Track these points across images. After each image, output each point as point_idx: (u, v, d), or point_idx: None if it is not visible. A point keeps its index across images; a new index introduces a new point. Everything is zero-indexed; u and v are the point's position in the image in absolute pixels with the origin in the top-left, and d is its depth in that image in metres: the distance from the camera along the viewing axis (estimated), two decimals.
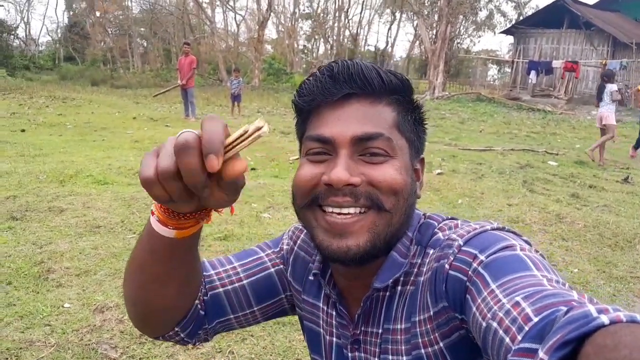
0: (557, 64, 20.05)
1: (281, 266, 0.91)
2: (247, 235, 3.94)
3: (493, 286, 0.57)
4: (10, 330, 2.49)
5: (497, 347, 0.51)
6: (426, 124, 0.81)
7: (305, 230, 0.90)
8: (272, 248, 0.93)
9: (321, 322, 0.85)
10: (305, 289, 0.88)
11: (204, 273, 0.86)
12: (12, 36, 34.45)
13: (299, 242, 0.92)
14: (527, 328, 0.48)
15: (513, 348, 0.47)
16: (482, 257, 0.62)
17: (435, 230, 0.76)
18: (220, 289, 0.86)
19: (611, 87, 8.76)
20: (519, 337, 0.48)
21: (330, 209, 0.70)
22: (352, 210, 0.69)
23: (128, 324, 2.59)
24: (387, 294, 0.75)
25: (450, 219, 0.79)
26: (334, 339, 0.83)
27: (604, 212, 5.11)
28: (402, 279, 0.74)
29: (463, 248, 0.66)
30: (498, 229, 0.70)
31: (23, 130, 9.01)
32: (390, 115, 0.72)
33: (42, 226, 3.94)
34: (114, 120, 11.15)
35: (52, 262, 3.28)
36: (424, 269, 0.72)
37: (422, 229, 0.77)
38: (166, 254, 0.68)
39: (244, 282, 0.88)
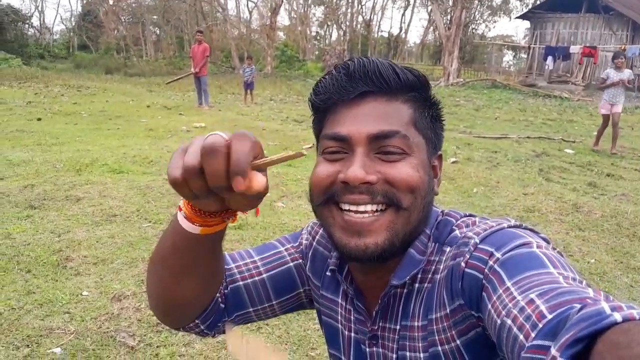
0: (574, 49, 19.69)
1: (300, 261, 0.91)
2: (262, 224, 3.96)
3: (508, 284, 0.57)
4: (31, 317, 2.54)
5: (512, 344, 0.51)
6: (444, 120, 0.81)
7: (318, 229, 0.92)
8: (291, 242, 0.93)
9: (339, 317, 0.86)
10: (324, 284, 0.88)
11: (225, 266, 0.87)
12: (26, 25, 34.71)
13: (317, 237, 0.92)
14: (540, 325, 0.48)
15: (526, 345, 0.47)
16: (498, 255, 0.62)
17: (453, 227, 0.76)
18: (240, 282, 0.87)
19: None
20: (533, 334, 0.48)
21: (347, 207, 0.69)
22: (369, 207, 0.69)
23: (145, 312, 2.63)
24: (405, 290, 0.75)
25: (468, 215, 0.79)
26: (352, 334, 0.83)
27: (622, 202, 5.03)
28: (419, 276, 0.74)
29: (479, 246, 0.65)
30: (515, 226, 0.69)
31: (39, 119, 9.11)
32: (406, 113, 0.72)
33: (59, 215, 3.99)
34: (128, 109, 11.22)
35: (70, 251, 3.32)
36: (441, 267, 0.72)
37: (439, 226, 0.77)
38: (190, 249, 0.69)
39: (264, 275, 0.88)
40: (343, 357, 0.86)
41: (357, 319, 0.82)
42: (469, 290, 0.64)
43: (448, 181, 5.49)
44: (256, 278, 0.88)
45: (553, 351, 0.41)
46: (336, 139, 0.71)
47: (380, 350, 0.78)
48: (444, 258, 0.72)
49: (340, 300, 0.85)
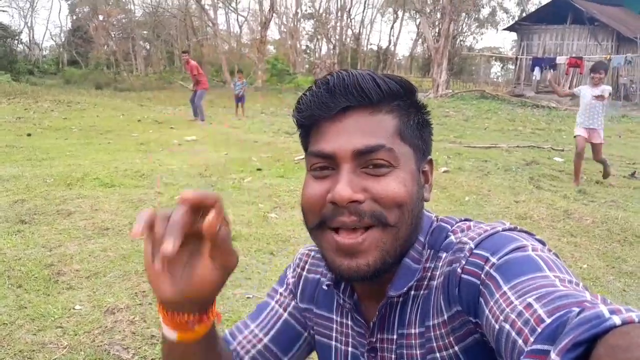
0: (561, 60, 19.96)
1: (292, 303, 0.91)
2: (255, 235, 3.95)
3: (505, 288, 0.57)
4: (23, 332, 2.51)
5: (510, 349, 0.51)
6: (431, 124, 0.79)
7: (313, 253, 0.92)
8: (279, 289, 0.93)
9: (334, 333, 0.85)
10: (318, 303, 0.87)
11: (229, 347, 0.87)
12: (16, 41, 34.59)
13: (307, 266, 0.92)
14: (539, 329, 0.47)
15: (525, 350, 0.47)
16: (493, 260, 0.62)
17: (449, 233, 0.75)
18: (246, 357, 0.87)
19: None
20: (532, 339, 0.48)
21: (337, 229, 0.69)
22: (357, 227, 0.69)
23: (139, 325, 2.60)
24: (401, 299, 0.75)
25: (463, 220, 0.78)
26: (350, 348, 0.83)
27: (612, 208, 5.09)
28: (415, 283, 0.74)
29: (475, 251, 0.65)
30: (510, 229, 0.69)
31: (29, 135, 9.06)
32: (391, 124, 0.71)
33: (50, 229, 3.96)
34: (119, 123, 11.20)
35: (62, 265, 3.29)
36: (437, 273, 0.72)
37: (434, 233, 0.76)
38: (179, 357, 0.70)
39: (265, 340, 0.88)
40: None
41: (356, 332, 0.81)
42: (466, 297, 0.64)
43: (440, 190, 5.52)
44: (259, 346, 0.87)
45: (553, 355, 0.40)
46: (321, 156, 0.70)
47: None
48: (440, 264, 0.72)
49: (335, 317, 0.85)
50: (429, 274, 0.73)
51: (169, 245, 0.54)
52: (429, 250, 0.74)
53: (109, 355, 2.34)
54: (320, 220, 0.70)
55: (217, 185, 5.56)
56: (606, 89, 6.44)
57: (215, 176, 6.05)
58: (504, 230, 0.68)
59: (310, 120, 0.73)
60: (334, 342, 0.85)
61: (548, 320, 0.47)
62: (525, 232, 0.69)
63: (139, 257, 3.47)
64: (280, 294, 0.92)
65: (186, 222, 0.57)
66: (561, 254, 3.74)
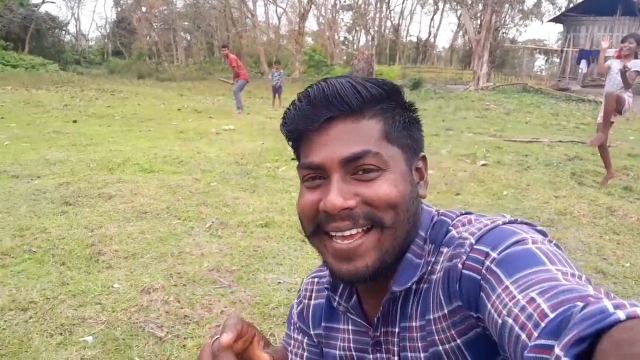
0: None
1: (305, 340, 0.94)
2: (287, 222, 3.98)
3: (507, 282, 0.57)
4: (64, 307, 2.61)
5: (514, 344, 0.51)
6: (420, 122, 0.79)
7: (316, 280, 0.94)
8: (291, 334, 0.96)
9: (339, 342, 0.86)
10: (325, 315, 0.89)
11: None
12: (63, 32, 35.80)
13: (313, 294, 0.93)
14: (543, 324, 0.47)
15: (529, 344, 0.47)
16: (494, 255, 0.62)
17: (450, 227, 0.75)
18: None
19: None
20: (535, 334, 0.47)
21: (333, 234, 0.71)
22: (353, 231, 0.70)
23: (173, 305, 2.67)
24: (403, 293, 0.75)
25: (464, 214, 0.78)
26: (353, 353, 0.84)
27: None
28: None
29: (475, 246, 0.65)
30: (510, 222, 0.69)
31: (75, 121, 9.38)
32: (375, 128, 0.71)
33: (92, 211, 4.10)
34: (159, 112, 11.46)
35: (102, 245, 3.41)
36: (438, 267, 0.72)
37: (435, 227, 0.76)
38: None
39: None
40: None
41: (357, 332, 0.83)
42: (466, 292, 0.64)
43: (477, 183, 5.42)
44: None
45: (557, 350, 0.40)
46: (311, 167, 0.72)
47: (384, 355, 0.79)
48: (441, 259, 0.72)
49: (340, 326, 0.86)
50: (430, 267, 0.73)
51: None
52: (430, 245, 0.75)
53: (143, 332, 2.41)
54: (316, 226, 0.72)
55: (252, 174, 5.62)
56: (636, 62, 5.40)
57: (251, 164, 6.11)
58: (504, 223, 0.68)
59: (297, 133, 0.74)
60: (337, 351, 0.86)
61: (552, 315, 0.47)
62: (526, 223, 0.69)
63: (175, 240, 3.55)
64: (294, 339, 0.94)
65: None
66: (602, 251, 3.61)
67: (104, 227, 3.74)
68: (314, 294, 0.92)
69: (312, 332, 0.91)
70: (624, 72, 5.34)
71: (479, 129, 10.34)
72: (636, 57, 5.45)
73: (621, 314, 0.39)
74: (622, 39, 5.76)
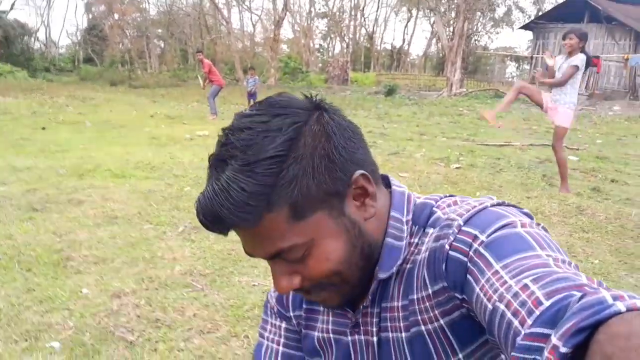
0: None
1: (283, 325, 0.91)
2: None
3: (497, 267, 0.57)
4: (30, 313, 2.53)
5: (505, 330, 0.50)
6: (341, 130, 0.67)
7: None
8: (268, 319, 0.93)
9: (318, 324, 0.86)
10: (305, 299, 0.87)
11: None
12: (33, 39, 35.08)
13: None
14: (537, 312, 0.47)
15: (523, 332, 0.47)
16: (482, 237, 0.61)
17: (434, 209, 0.74)
18: None
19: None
20: (529, 321, 0.47)
21: None
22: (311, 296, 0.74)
23: (144, 308, 2.61)
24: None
25: (448, 196, 0.77)
26: (331, 335, 0.83)
27: (627, 205, 5.00)
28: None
29: (463, 228, 0.64)
30: (498, 204, 0.68)
31: (44, 128, 9.17)
32: (279, 220, 0.62)
33: (61, 217, 4.00)
34: (131, 118, 11.29)
35: (71, 251, 3.32)
36: (422, 248, 0.71)
37: (418, 208, 0.75)
38: None
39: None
40: None
41: (336, 314, 0.82)
42: (452, 273, 0.63)
43: (451, 185, 5.48)
44: None
45: (554, 340, 0.40)
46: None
47: (363, 337, 0.78)
48: (426, 239, 0.71)
49: (321, 308, 0.85)
50: (414, 249, 0.73)
51: None
52: (414, 226, 0.74)
53: (113, 336, 2.35)
54: None
55: None
56: (578, 57, 5.15)
57: None
58: (492, 205, 0.67)
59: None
60: (316, 333, 0.85)
61: (547, 303, 0.47)
62: (513, 206, 0.69)
63: (146, 245, 3.49)
64: (271, 324, 0.92)
65: None
66: (572, 249, 3.68)
67: (73, 233, 3.65)
68: None
69: (291, 314, 0.89)
70: (549, 68, 5.30)
71: (452, 133, 10.48)
72: (582, 52, 5.23)
73: (621, 306, 0.39)
74: (562, 35, 5.48)
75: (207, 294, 2.81)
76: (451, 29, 26.85)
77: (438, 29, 27.04)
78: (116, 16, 36.07)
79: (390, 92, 21.03)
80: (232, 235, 0.67)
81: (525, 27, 25.24)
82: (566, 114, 5.30)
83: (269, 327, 0.93)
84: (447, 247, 0.64)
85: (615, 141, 8.08)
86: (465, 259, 0.61)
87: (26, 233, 3.62)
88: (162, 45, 40.19)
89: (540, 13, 29.12)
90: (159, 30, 38.48)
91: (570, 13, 21.63)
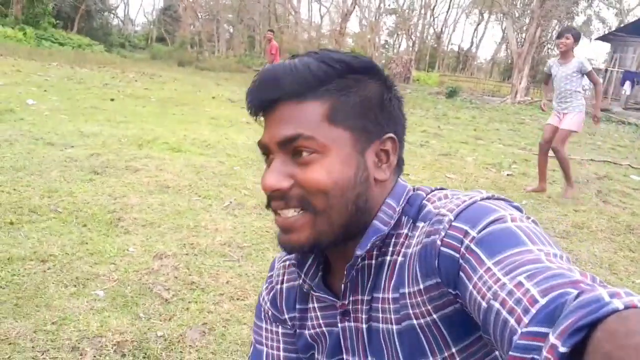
0: None
1: (279, 331, 0.92)
2: None
3: (489, 264, 0.57)
4: (81, 263, 2.76)
5: (501, 328, 0.50)
6: (393, 100, 0.76)
7: (288, 262, 0.92)
8: (262, 325, 0.94)
9: (309, 322, 0.87)
10: (299, 299, 0.89)
11: None
12: (112, 15, 36.84)
13: (285, 277, 0.92)
14: (534, 310, 0.47)
15: (520, 330, 0.46)
16: (473, 233, 0.61)
17: (424, 202, 0.75)
18: None
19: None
20: (526, 320, 0.47)
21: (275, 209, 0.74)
22: (285, 212, 0.72)
23: (182, 271, 2.79)
24: (374, 262, 0.75)
25: (438, 189, 0.78)
26: (323, 328, 0.84)
27: None
28: (390, 249, 0.74)
29: (454, 223, 0.64)
30: (487, 198, 0.68)
31: (112, 100, 9.70)
32: (317, 111, 0.70)
33: (118, 181, 4.28)
34: (194, 98, 11.71)
35: (123, 212, 3.56)
36: (413, 242, 0.71)
37: (411, 201, 0.76)
38: None
39: None
40: (317, 354, 0.87)
41: (324, 307, 0.83)
42: (445, 270, 0.64)
43: (497, 191, 5.39)
44: None
45: (552, 339, 0.40)
46: (260, 147, 0.75)
47: (352, 324, 0.79)
48: (417, 233, 0.71)
49: (309, 305, 0.86)
50: (406, 241, 0.73)
51: None
52: (405, 217, 0.75)
53: (151, 292, 2.54)
54: (267, 202, 0.75)
55: None
56: (577, 64, 5.04)
57: None
58: (481, 199, 0.68)
59: (255, 114, 0.76)
60: (308, 331, 0.86)
61: (543, 301, 0.47)
62: (503, 199, 0.69)
63: (192, 215, 3.69)
64: (266, 329, 0.93)
65: None
66: (615, 266, 3.57)
67: (127, 197, 3.90)
68: (285, 277, 0.92)
69: (286, 317, 0.90)
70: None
71: (509, 141, 10.21)
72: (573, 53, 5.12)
73: (619, 304, 0.38)
74: (558, 34, 5.28)
75: (241, 265, 2.95)
76: (523, 35, 25.97)
77: (509, 33, 26.19)
78: None
79: (451, 93, 20.62)
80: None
81: (603, 38, 24.03)
82: (578, 117, 5.26)
83: (264, 333, 0.93)
84: (438, 242, 0.64)
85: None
86: (457, 255, 0.62)
87: (85, 192, 3.90)
88: (231, 30, 41.18)
89: (621, 25, 27.62)
90: (230, 15, 39.42)
91: None
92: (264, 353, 0.92)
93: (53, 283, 2.52)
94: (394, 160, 0.76)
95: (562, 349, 0.38)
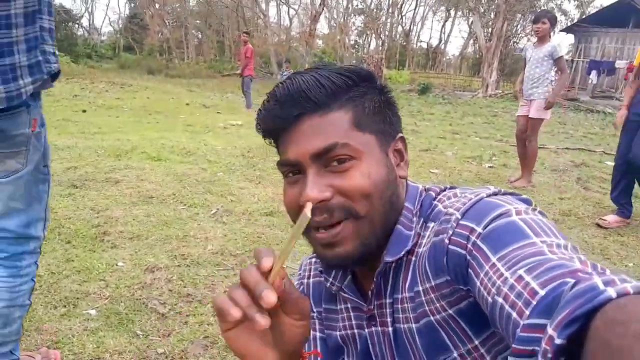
0: (620, 64, 19.13)
1: (314, 315, 0.94)
2: None
3: (494, 259, 0.58)
4: (69, 282, 2.64)
5: (505, 322, 0.51)
6: (394, 103, 0.80)
7: (314, 260, 0.95)
8: None
9: (339, 323, 0.87)
10: (324, 298, 0.91)
11: None
12: (76, 25, 36.07)
13: (311, 273, 0.95)
14: (534, 302, 0.47)
15: (522, 323, 0.47)
16: (479, 230, 0.63)
17: (434, 202, 0.77)
18: None
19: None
20: (527, 312, 0.48)
21: (316, 227, 0.72)
22: (331, 223, 0.72)
23: (176, 283, 2.69)
24: (393, 265, 0.77)
25: (449, 188, 0.80)
26: (355, 330, 0.85)
27: None
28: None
29: (461, 222, 0.66)
30: (494, 194, 0.70)
31: (84, 111, 9.46)
32: (344, 119, 0.72)
33: (99, 194, 4.13)
34: (168, 106, 11.52)
35: (108, 226, 3.44)
36: (424, 241, 0.74)
37: (424, 202, 0.78)
38: None
39: None
40: (347, 358, 0.88)
41: (354, 308, 0.84)
42: (454, 267, 0.65)
43: (482, 183, 5.42)
44: None
45: (550, 330, 0.40)
46: (287, 164, 0.74)
47: (379, 328, 0.80)
48: (427, 233, 0.74)
49: (338, 307, 0.88)
50: (418, 240, 0.75)
51: (262, 321, 0.58)
52: (419, 218, 0.76)
53: (146, 307, 2.44)
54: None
55: (258, 166, 5.65)
56: (549, 48, 5.06)
57: (257, 157, 6.14)
58: (488, 196, 0.69)
59: (271, 133, 0.76)
60: (338, 332, 0.87)
61: (542, 293, 0.47)
62: (511, 193, 0.71)
63: (180, 224, 3.58)
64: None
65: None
66: (606, 251, 3.61)
67: (110, 210, 3.77)
68: (312, 273, 0.94)
69: (314, 309, 0.92)
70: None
71: (485, 134, 10.33)
72: (549, 37, 5.15)
73: (612, 292, 0.39)
74: (534, 19, 5.24)
75: (236, 273, 2.87)
76: (490, 29, 26.40)
77: (476, 29, 26.60)
78: (157, 5, 36.73)
79: (424, 90, 20.81)
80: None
81: (567, 29, 24.55)
82: (543, 104, 5.27)
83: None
84: (446, 241, 0.66)
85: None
86: (464, 252, 0.63)
87: (66, 208, 3.76)
88: (200, 36, 40.78)
89: (583, 17, 28.34)
90: (197, 21, 39.06)
91: (615, 17, 20.96)
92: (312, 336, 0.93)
93: (41, 305, 2.39)
94: (407, 157, 0.80)
95: (558, 341, 0.39)
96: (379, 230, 0.73)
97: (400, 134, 0.79)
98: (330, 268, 0.81)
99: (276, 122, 0.73)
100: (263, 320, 0.58)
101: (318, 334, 0.92)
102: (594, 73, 19.71)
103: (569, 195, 5.09)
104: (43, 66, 1.41)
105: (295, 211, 0.73)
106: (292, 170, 0.74)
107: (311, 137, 0.70)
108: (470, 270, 0.61)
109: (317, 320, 0.93)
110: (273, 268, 0.60)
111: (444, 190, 0.79)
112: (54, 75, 1.50)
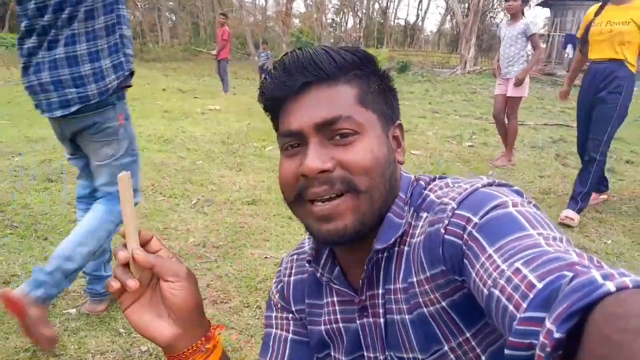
0: None
1: (290, 316, 0.93)
2: (274, 200, 3.97)
3: (490, 251, 0.57)
4: None
5: (502, 315, 0.51)
6: (395, 90, 0.81)
7: (295, 257, 0.95)
8: (272, 314, 0.95)
9: (324, 317, 0.86)
10: (309, 294, 0.89)
11: None
12: None
13: (293, 271, 0.94)
14: (531, 295, 0.47)
15: (519, 316, 0.47)
16: (475, 220, 0.62)
17: (425, 192, 0.76)
18: None
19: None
20: (524, 305, 0.47)
21: (312, 198, 0.71)
22: (332, 196, 0.71)
23: None
24: (385, 255, 0.76)
25: (440, 178, 0.79)
26: (340, 324, 0.84)
27: None
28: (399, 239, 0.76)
29: (457, 211, 0.65)
30: (489, 184, 0.70)
31: None
32: (350, 93, 0.72)
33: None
34: (143, 92, 11.27)
35: None
36: (417, 232, 0.73)
37: (414, 192, 0.78)
38: None
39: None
40: (333, 352, 0.86)
41: (343, 301, 0.83)
42: (449, 257, 0.65)
43: (463, 163, 5.45)
44: None
45: (548, 324, 0.40)
46: (290, 134, 0.73)
47: (371, 319, 0.79)
48: (420, 223, 0.73)
49: (324, 300, 0.86)
50: (411, 231, 0.74)
51: (130, 283, 0.66)
52: (410, 208, 0.76)
53: None
54: (297, 193, 0.73)
55: (239, 153, 5.58)
56: (522, 25, 5.02)
57: (237, 144, 6.07)
58: (483, 186, 0.69)
59: (274, 102, 0.76)
60: (323, 327, 0.86)
61: (539, 286, 0.47)
62: (505, 185, 0.71)
63: (160, 217, 3.53)
64: (276, 317, 0.94)
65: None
66: (585, 229, 3.67)
67: None
68: (293, 271, 0.93)
69: (293, 309, 0.91)
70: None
71: (465, 111, 10.37)
72: (522, 14, 5.12)
73: (611, 286, 0.38)
74: None
75: (219, 265, 2.84)
76: (466, 5, 26.36)
77: (453, 5, 26.52)
78: None
79: (403, 68, 20.75)
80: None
81: (543, 3, 24.63)
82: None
83: (274, 320, 0.94)
84: (442, 231, 0.65)
85: (631, 122, 7.93)
86: (460, 242, 0.63)
87: (42, 203, 3.67)
88: (174, 18, 39.93)
89: None
90: (171, 3, 38.15)
91: None
92: (273, 334, 0.92)
93: None
94: (404, 144, 0.81)
95: (557, 335, 0.39)
96: (376, 209, 0.72)
97: (399, 121, 0.80)
98: (323, 244, 0.79)
99: (282, 90, 0.73)
100: (131, 282, 0.65)
101: (290, 335, 0.91)
102: (569, 47, 19.82)
103: (549, 172, 5.15)
104: (124, 65, 1.92)
105: (291, 183, 0.73)
106: (292, 143, 0.73)
107: (316, 107, 0.71)
108: (465, 261, 0.61)
109: (291, 322, 0.92)
110: (126, 237, 0.67)
111: (434, 179, 0.79)
112: (131, 74, 1.98)
